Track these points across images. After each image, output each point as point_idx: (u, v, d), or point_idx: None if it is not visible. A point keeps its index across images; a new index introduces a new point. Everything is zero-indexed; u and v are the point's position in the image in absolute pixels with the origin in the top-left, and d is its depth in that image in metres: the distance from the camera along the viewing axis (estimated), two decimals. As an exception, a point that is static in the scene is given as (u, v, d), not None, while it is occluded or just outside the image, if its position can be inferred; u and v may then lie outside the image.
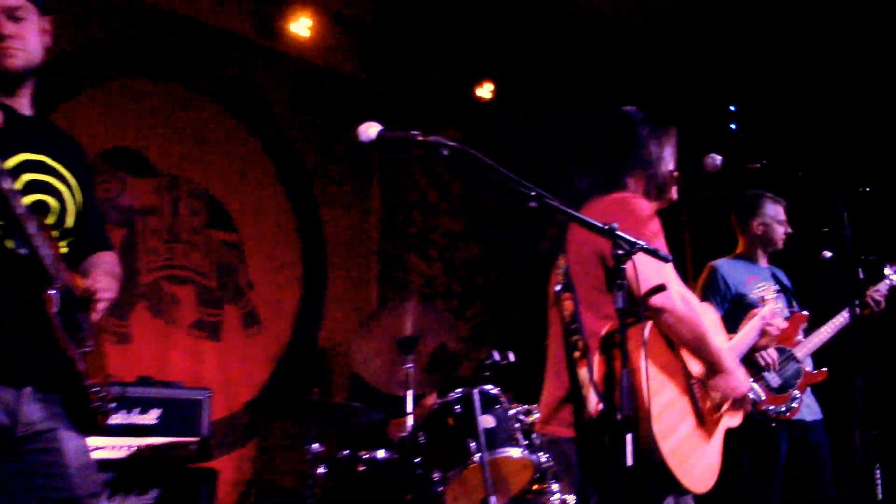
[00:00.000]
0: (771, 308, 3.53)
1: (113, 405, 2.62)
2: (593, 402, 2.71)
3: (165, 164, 5.80)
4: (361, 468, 4.70)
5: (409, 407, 4.68)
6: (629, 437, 2.41)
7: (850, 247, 2.76)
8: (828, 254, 4.48)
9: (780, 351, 4.64)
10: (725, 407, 2.96)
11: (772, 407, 4.61)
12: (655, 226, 2.84)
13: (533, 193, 2.30)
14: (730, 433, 4.55)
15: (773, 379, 4.64)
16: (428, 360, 4.90)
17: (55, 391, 2.46)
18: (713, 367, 2.89)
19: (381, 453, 4.72)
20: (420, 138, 2.20)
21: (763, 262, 5.01)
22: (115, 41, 5.63)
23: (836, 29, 6.02)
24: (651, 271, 2.64)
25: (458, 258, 7.45)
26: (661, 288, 2.58)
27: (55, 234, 2.48)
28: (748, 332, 3.44)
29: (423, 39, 6.78)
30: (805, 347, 4.70)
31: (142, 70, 5.76)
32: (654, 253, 2.57)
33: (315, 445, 4.70)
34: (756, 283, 4.88)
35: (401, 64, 6.91)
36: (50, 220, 2.50)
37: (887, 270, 4.77)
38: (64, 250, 2.53)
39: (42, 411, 2.43)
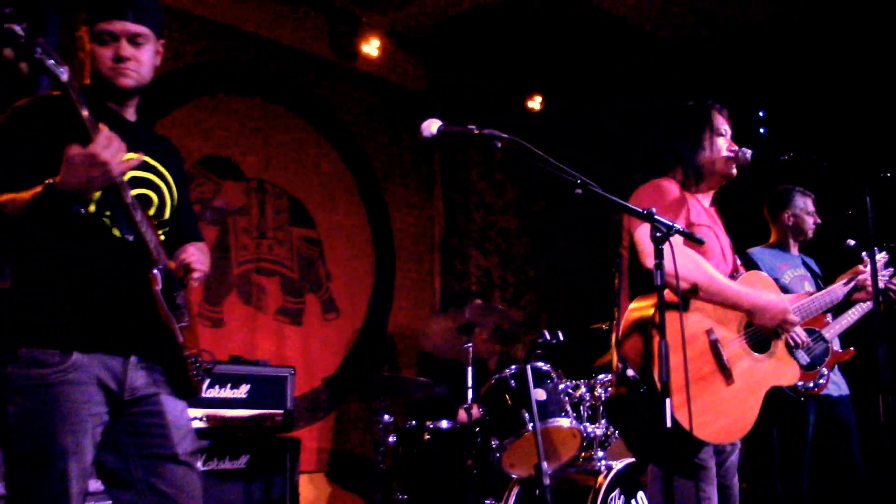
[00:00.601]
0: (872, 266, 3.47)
1: (206, 376, 2.67)
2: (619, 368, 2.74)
3: (253, 169, 5.87)
4: (427, 437, 4.73)
5: (469, 381, 4.69)
6: (668, 401, 2.39)
7: (873, 231, 2.67)
8: (852, 241, 4.37)
9: (810, 332, 4.54)
10: (783, 337, 2.93)
11: (801, 383, 4.51)
12: (676, 208, 2.83)
13: (578, 181, 2.28)
14: (762, 408, 4.48)
15: (803, 357, 4.54)
16: (485, 339, 4.92)
17: (157, 361, 2.51)
18: (743, 310, 2.86)
19: (444, 423, 4.74)
20: (476, 132, 2.20)
21: (794, 250, 4.92)
22: (207, 63, 5.72)
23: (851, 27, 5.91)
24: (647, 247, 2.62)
25: (513, 252, 7.43)
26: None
27: (155, 223, 2.53)
28: (833, 289, 3.41)
29: (480, 57, 6.79)
30: (833, 329, 4.59)
31: (232, 87, 5.85)
32: (688, 235, 2.55)
33: (386, 417, 4.74)
34: (787, 270, 4.81)
35: (459, 79, 6.93)
36: (151, 211, 2.55)
37: None
38: (161, 238, 2.58)
39: (146, 378, 2.48)
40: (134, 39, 2.48)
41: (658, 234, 2.41)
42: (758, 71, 6.60)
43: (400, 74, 6.75)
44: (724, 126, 3.12)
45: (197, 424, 4.45)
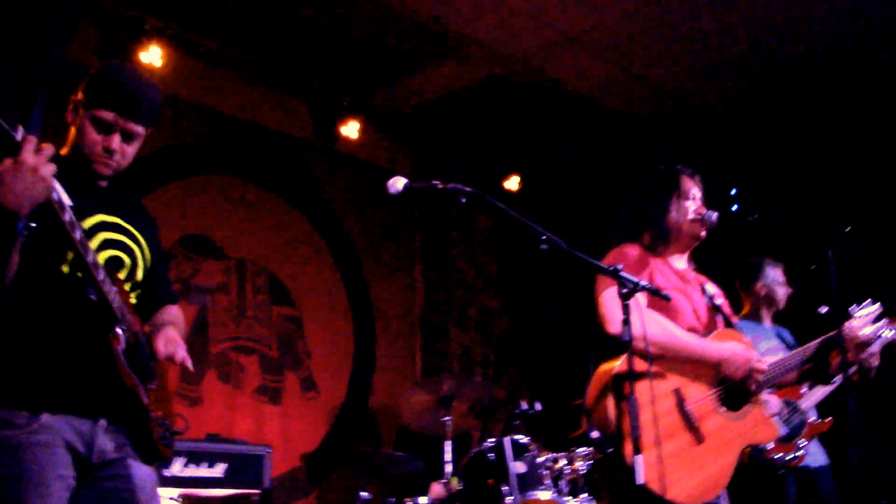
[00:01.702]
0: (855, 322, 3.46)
1: (174, 442, 2.61)
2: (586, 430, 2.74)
3: (233, 248, 5.89)
4: (406, 514, 4.63)
5: (448, 455, 4.62)
6: (639, 457, 2.36)
7: (836, 292, 2.70)
8: (824, 309, 4.38)
9: (786, 403, 4.52)
10: (757, 386, 2.90)
11: (778, 455, 4.46)
12: (635, 271, 2.86)
13: (544, 237, 2.31)
14: (738, 479, 4.41)
15: (781, 429, 4.50)
16: (464, 413, 4.88)
17: (123, 423, 2.46)
18: (710, 364, 2.85)
19: (423, 500, 4.65)
20: (440, 186, 2.23)
21: (767, 321, 4.91)
22: (191, 144, 5.81)
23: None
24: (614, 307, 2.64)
25: (493, 330, 7.42)
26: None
27: (127, 286, 2.52)
28: (809, 345, 3.38)
29: (457, 138, 6.92)
30: (809, 400, 4.57)
31: (214, 168, 5.92)
32: (656, 292, 2.56)
33: (363, 494, 4.65)
34: (761, 342, 4.80)
35: (437, 160, 7.04)
36: (122, 274, 2.54)
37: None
38: (133, 301, 2.56)
39: (113, 441, 2.43)
40: (128, 136, 2.51)
41: (624, 291, 2.43)
42: (728, 145, 6.80)
43: (380, 155, 6.85)
44: (693, 189, 3.18)
45: (172, 504, 4.35)
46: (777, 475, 4.44)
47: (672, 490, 2.63)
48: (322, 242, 6.41)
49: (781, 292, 4.90)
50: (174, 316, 2.77)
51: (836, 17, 5.57)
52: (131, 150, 2.54)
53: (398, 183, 2.35)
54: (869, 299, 3.66)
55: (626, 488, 2.46)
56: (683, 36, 5.82)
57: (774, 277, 4.91)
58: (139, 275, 2.60)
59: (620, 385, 2.64)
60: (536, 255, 7.69)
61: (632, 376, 2.45)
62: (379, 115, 6.69)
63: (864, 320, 3.61)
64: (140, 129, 2.52)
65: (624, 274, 2.44)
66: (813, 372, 3.36)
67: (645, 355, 2.65)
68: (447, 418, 4.68)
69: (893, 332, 4.49)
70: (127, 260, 2.56)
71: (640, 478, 2.34)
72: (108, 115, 2.46)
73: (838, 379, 4.45)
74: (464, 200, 2.22)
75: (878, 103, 6.01)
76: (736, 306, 4.96)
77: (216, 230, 5.83)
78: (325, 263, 6.39)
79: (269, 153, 6.22)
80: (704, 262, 3.35)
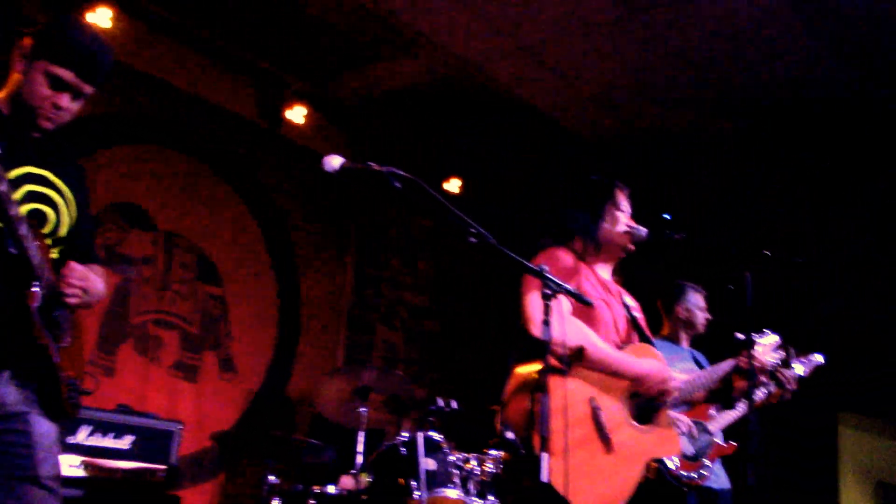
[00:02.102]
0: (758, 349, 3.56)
1: (80, 402, 2.56)
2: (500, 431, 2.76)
3: (164, 221, 5.79)
4: (311, 502, 4.59)
5: (360, 447, 4.60)
6: (545, 455, 2.39)
7: (752, 311, 2.78)
8: (740, 335, 4.51)
9: (696, 423, 4.62)
10: (663, 398, 2.95)
11: (684, 473, 4.55)
12: (568, 275, 2.92)
13: (473, 230, 2.33)
14: (644, 494, 4.50)
15: (687, 447, 4.59)
16: (380, 406, 4.86)
17: (31, 379, 2.41)
18: (625, 377, 2.89)
19: (331, 489, 4.62)
20: (376, 168, 2.23)
21: (685, 344, 5.03)
22: (133, 113, 5.71)
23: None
24: (538, 309, 2.64)
25: (420, 330, 7.43)
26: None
27: (49, 241, 2.47)
28: (717, 367, 3.45)
29: (402, 136, 6.92)
30: (717, 422, 4.67)
31: (155, 139, 5.82)
32: (578, 297, 2.60)
33: (271, 478, 4.61)
34: (677, 363, 4.91)
35: (379, 155, 7.01)
36: (46, 228, 2.48)
37: (793, 363, 4.78)
38: (55, 256, 2.50)
39: (17, 395, 2.37)
40: (79, 95, 2.48)
41: (547, 292, 2.46)
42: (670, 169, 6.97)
43: (323, 145, 6.81)
44: (624, 203, 3.26)
45: (73, 472, 4.25)
46: (681, 492, 4.53)
47: (578, 497, 2.67)
48: (256, 225, 6.34)
49: (701, 317, 5.03)
50: (96, 274, 2.72)
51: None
52: (77, 107, 2.51)
53: (334, 161, 2.35)
54: (767, 329, 3.80)
55: (532, 491, 2.49)
56: (636, 60, 5.93)
57: (696, 302, 5.05)
58: (63, 231, 2.55)
59: (535, 386, 2.67)
60: (471, 260, 7.75)
61: (546, 379, 2.48)
62: (326, 104, 6.66)
63: (766, 348, 3.74)
64: (91, 90, 2.49)
65: (548, 275, 2.47)
66: (719, 393, 3.47)
67: (562, 360, 2.69)
68: (363, 409, 4.67)
69: (803, 365, 4.69)
70: (52, 215, 2.51)
71: (545, 476, 2.37)
72: (66, 74, 2.43)
73: (746, 404, 4.63)
74: (398, 185, 2.22)
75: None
76: (655, 326, 5.10)
77: (149, 201, 5.72)
78: (256, 246, 6.32)
79: (211, 130, 6.14)
80: (631, 279, 3.42)
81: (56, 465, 2.43)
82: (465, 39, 5.84)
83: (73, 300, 2.46)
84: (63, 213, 2.55)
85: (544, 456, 2.37)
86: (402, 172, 2.22)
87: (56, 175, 2.54)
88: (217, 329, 5.98)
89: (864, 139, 6.23)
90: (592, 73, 6.13)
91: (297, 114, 6.39)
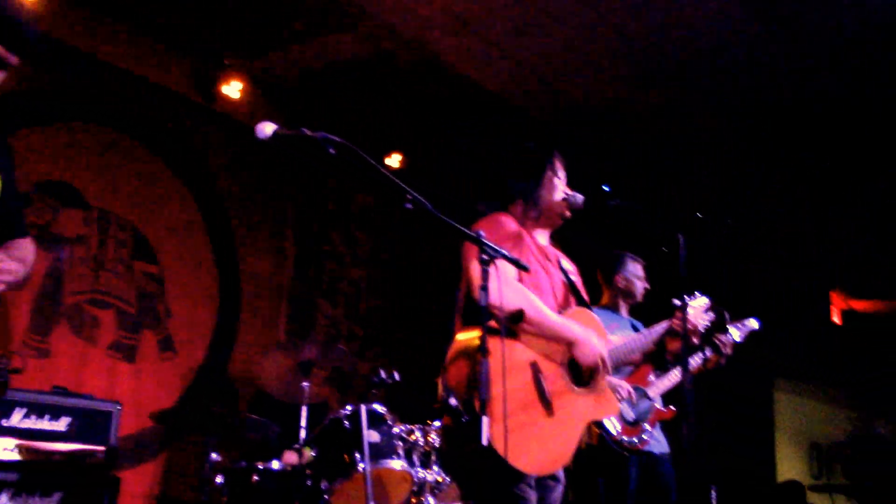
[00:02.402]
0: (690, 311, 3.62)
1: (6, 379, 2.50)
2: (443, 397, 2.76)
3: (97, 199, 5.66)
4: (256, 478, 4.57)
5: (303, 421, 4.59)
6: (485, 419, 2.41)
7: (685, 273, 2.83)
8: (677, 301, 4.59)
9: (635, 389, 4.70)
10: (594, 375, 2.97)
11: (625, 438, 4.64)
12: (512, 241, 2.93)
13: (409, 196, 2.32)
14: (587, 459, 4.57)
15: (628, 413, 4.68)
16: (322, 381, 4.84)
17: None
18: (565, 342, 2.92)
19: (275, 465, 4.60)
20: (309, 133, 2.20)
21: (624, 312, 5.11)
22: (63, 89, 5.55)
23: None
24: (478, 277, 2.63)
25: (362, 305, 7.41)
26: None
27: None
28: (652, 329, 3.49)
29: (342, 110, 6.85)
30: (656, 387, 4.76)
31: (85, 116, 5.66)
32: (515, 262, 2.62)
33: (213, 455, 4.56)
34: (616, 331, 4.99)
35: (319, 128, 6.93)
36: None
37: (729, 327, 4.88)
38: None
39: None
40: (3, 66, 2.42)
41: (485, 257, 2.47)
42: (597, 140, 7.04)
43: (260, 119, 6.69)
44: (561, 171, 3.28)
45: (7, 455, 4.15)
46: (622, 457, 4.62)
47: (521, 460, 2.70)
48: (192, 202, 6.23)
49: (640, 286, 5.12)
50: (23, 248, 2.65)
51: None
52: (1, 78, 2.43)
53: (266, 128, 2.33)
54: (698, 292, 3.88)
55: (474, 455, 2.49)
56: (573, 33, 5.95)
57: (634, 272, 5.13)
58: None
59: (475, 351, 2.68)
60: (411, 233, 7.73)
61: (486, 343, 2.49)
62: (263, 79, 6.55)
63: (697, 310, 3.82)
64: (17, 62, 2.42)
65: (485, 240, 2.48)
66: (654, 355, 3.53)
67: (502, 324, 2.70)
68: (305, 384, 4.65)
69: (738, 330, 4.80)
70: None
71: (486, 439, 2.39)
72: None
73: (693, 365, 4.72)
74: (332, 151, 2.20)
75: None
76: (595, 295, 5.17)
77: (81, 179, 5.57)
78: (193, 223, 6.21)
79: (144, 105, 6.00)
80: (569, 249, 3.45)
81: None
82: (404, 13, 5.79)
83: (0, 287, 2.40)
84: None
85: (484, 419, 2.39)
86: (335, 138, 2.19)
87: None
88: (155, 308, 5.88)
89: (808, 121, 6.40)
90: (530, 47, 6.14)
91: (233, 89, 6.28)
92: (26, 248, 2.64)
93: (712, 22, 5.70)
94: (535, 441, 2.80)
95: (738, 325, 4.76)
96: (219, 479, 4.58)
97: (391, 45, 6.19)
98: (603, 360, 2.99)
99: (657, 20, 5.74)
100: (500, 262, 2.55)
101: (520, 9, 5.68)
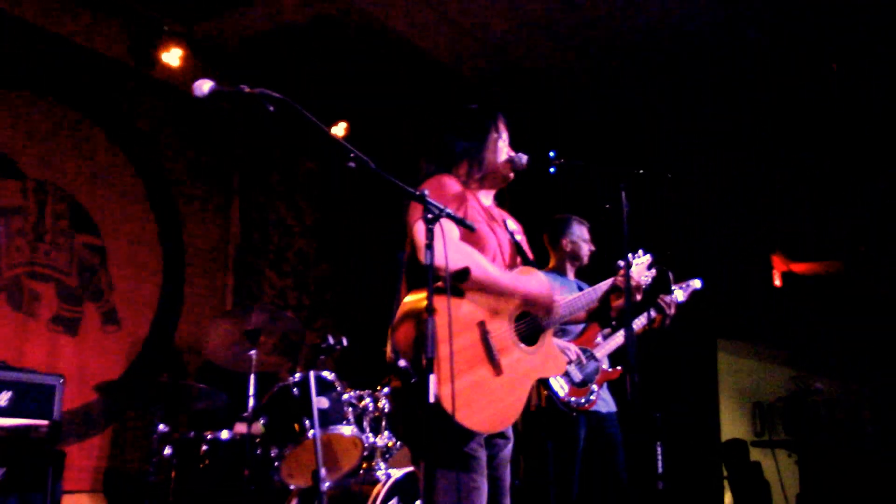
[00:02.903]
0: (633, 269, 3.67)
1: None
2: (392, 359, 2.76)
3: (34, 170, 5.51)
4: (205, 448, 4.54)
5: (252, 389, 4.55)
6: (432, 377, 2.41)
7: (627, 228, 2.85)
8: (621, 262, 4.63)
9: (582, 350, 4.76)
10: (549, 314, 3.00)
11: (573, 399, 4.70)
12: (457, 201, 2.93)
13: (352, 155, 2.30)
14: (536, 420, 4.62)
15: (576, 374, 4.74)
16: (270, 349, 4.80)
17: None
18: (516, 297, 2.94)
19: (224, 434, 4.58)
20: (247, 90, 2.17)
21: (571, 275, 5.16)
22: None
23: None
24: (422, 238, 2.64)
25: (310, 275, 7.36)
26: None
27: None
28: (599, 286, 3.52)
29: (285, 77, 6.75)
30: (603, 349, 4.83)
31: (18, 84, 5.49)
32: (460, 221, 2.61)
33: (161, 427, 4.51)
34: (564, 293, 5.03)
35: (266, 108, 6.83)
36: None
37: (672, 287, 4.94)
38: None
39: None
40: None
41: (429, 216, 2.46)
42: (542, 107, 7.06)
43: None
44: (505, 132, 3.28)
45: (-55, 432, 4.05)
46: (570, 418, 4.69)
47: (470, 419, 2.70)
48: (134, 172, 6.10)
49: (585, 249, 5.17)
50: None
51: None
52: None
53: (204, 86, 2.28)
54: (641, 250, 3.94)
55: (422, 414, 2.50)
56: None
57: (580, 234, 5.18)
58: None
59: (422, 311, 2.67)
60: (357, 201, 7.67)
61: (432, 302, 2.49)
62: (203, 46, 6.42)
63: (640, 267, 3.88)
64: None
65: (429, 199, 2.47)
66: (599, 312, 3.57)
67: (447, 284, 2.70)
68: (253, 352, 4.61)
69: (682, 290, 4.87)
70: None
71: (433, 397, 2.39)
72: None
73: (638, 326, 4.77)
74: (272, 108, 2.17)
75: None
76: (541, 259, 5.20)
77: (16, 149, 5.42)
78: (135, 193, 6.09)
79: (81, 73, 5.84)
80: (517, 215, 3.46)
81: None
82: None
83: None
84: None
85: (431, 377, 2.39)
86: (274, 94, 2.16)
87: None
88: (97, 280, 5.76)
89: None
90: (472, 11, 6.11)
91: (172, 56, 6.13)
92: None
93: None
94: (484, 399, 2.80)
95: (682, 285, 4.83)
96: (167, 451, 4.54)
97: (333, 10, 6.11)
98: (552, 307, 3.01)
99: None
100: (444, 223, 2.54)
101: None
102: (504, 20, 6.19)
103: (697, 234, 8.21)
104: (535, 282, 3.05)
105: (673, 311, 4.79)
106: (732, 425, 9.51)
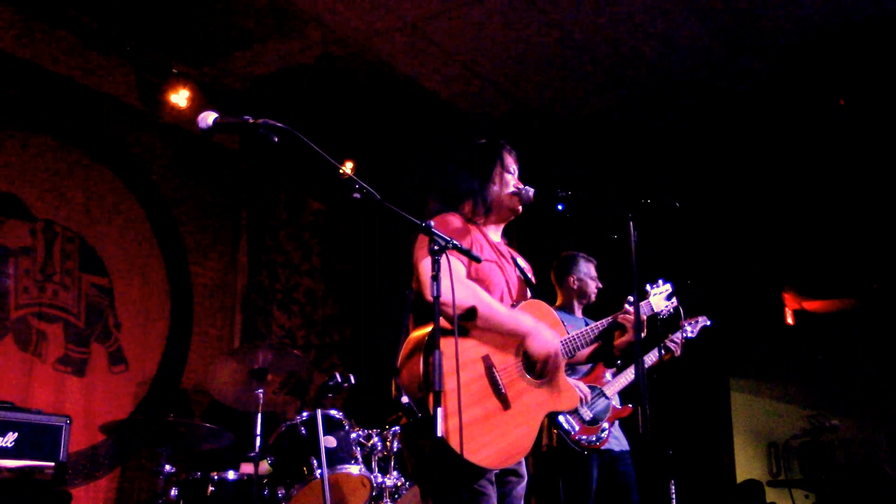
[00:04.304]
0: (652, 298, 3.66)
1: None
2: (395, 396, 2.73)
3: (42, 211, 5.55)
4: (211, 489, 4.50)
5: (258, 428, 4.52)
6: (439, 410, 2.39)
7: (636, 257, 2.84)
8: (630, 298, 4.61)
9: (591, 388, 4.72)
10: (546, 368, 2.94)
11: (584, 437, 4.66)
12: (462, 235, 2.92)
13: (357, 185, 2.31)
14: (547, 460, 4.56)
15: (586, 413, 4.70)
16: (277, 388, 4.78)
17: None
18: (516, 336, 2.90)
19: (230, 475, 4.54)
20: (251, 121, 2.19)
21: (578, 312, 5.14)
22: (4, 98, 5.45)
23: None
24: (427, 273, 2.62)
25: (318, 315, 7.35)
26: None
27: None
28: (599, 323, 3.48)
29: (292, 118, 6.79)
30: (613, 386, 4.79)
31: (28, 125, 5.57)
32: (467, 252, 2.61)
33: (167, 467, 4.48)
34: (571, 332, 5.00)
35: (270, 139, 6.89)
36: None
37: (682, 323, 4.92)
38: None
39: None
40: None
41: (435, 248, 2.46)
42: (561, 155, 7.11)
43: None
44: (512, 165, 3.28)
45: (-49, 473, 4.04)
46: (582, 456, 4.64)
47: (478, 454, 2.67)
48: (142, 213, 6.14)
49: (592, 286, 5.16)
50: None
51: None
52: None
53: (208, 118, 2.30)
54: (661, 279, 3.92)
55: (430, 451, 2.46)
56: (524, 39, 6.00)
57: (587, 272, 5.18)
58: None
59: (428, 346, 2.66)
60: (365, 240, 7.65)
61: (438, 337, 2.47)
62: (210, 87, 6.50)
63: (659, 296, 3.86)
64: None
65: (435, 231, 2.47)
66: (600, 352, 3.53)
67: (452, 320, 2.68)
68: (260, 391, 4.59)
69: (690, 326, 4.84)
70: None
71: (440, 431, 2.37)
72: None
73: (648, 362, 4.72)
74: (276, 139, 2.18)
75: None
76: (549, 297, 5.19)
77: (25, 190, 5.47)
78: (143, 235, 6.12)
79: (90, 115, 5.91)
80: (526, 253, 3.45)
81: None
82: (349, 18, 5.78)
83: None
84: None
85: (438, 411, 2.37)
86: (277, 124, 2.17)
87: None
88: (104, 320, 5.77)
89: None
90: (481, 51, 6.17)
91: (180, 97, 6.21)
92: None
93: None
94: (492, 435, 2.77)
95: (691, 321, 4.82)
96: (173, 492, 4.51)
97: (340, 51, 6.18)
98: (556, 353, 2.97)
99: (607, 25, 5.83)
100: (452, 259, 2.54)
101: (472, 12, 5.70)
102: (503, 56, 6.23)
103: (708, 270, 8.18)
104: (540, 317, 3.02)
105: (680, 352, 4.77)
106: (748, 465, 9.39)
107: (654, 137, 7.08)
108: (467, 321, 2.82)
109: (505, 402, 2.83)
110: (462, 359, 2.72)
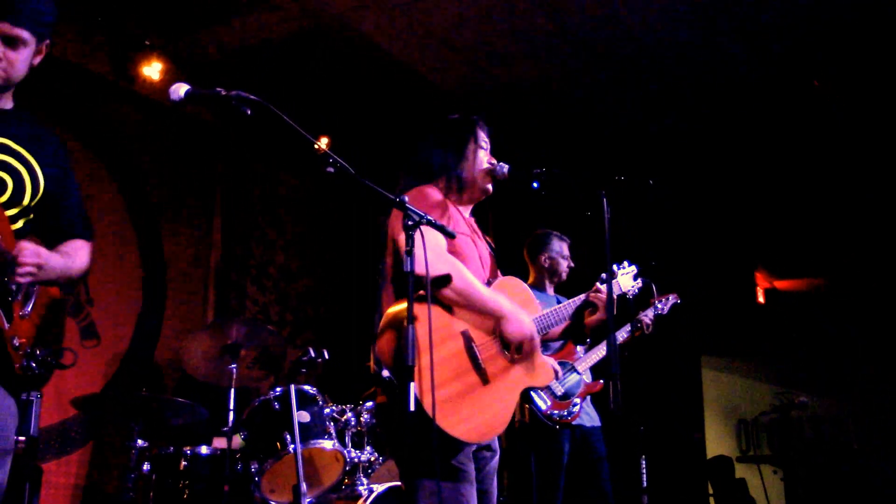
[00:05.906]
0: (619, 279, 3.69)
1: (43, 370, 2.49)
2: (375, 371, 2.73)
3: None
4: (184, 464, 4.50)
5: (232, 403, 4.52)
6: (412, 384, 2.40)
7: (609, 234, 2.84)
8: (603, 276, 4.64)
9: (563, 364, 4.75)
10: (521, 350, 2.93)
11: (556, 412, 4.69)
12: (439, 211, 2.91)
13: (331, 160, 2.29)
14: (519, 435, 4.59)
15: (557, 388, 4.74)
16: (251, 363, 4.77)
17: None
18: (495, 317, 2.89)
19: (203, 449, 4.54)
20: (223, 93, 2.17)
21: (550, 290, 5.18)
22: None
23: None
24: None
25: (292, 291, 7.33)
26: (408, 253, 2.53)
27: (14, 210, 2.43)
28: (571, 301, 3.49)
29: (268, 91, 6.73)
30: (584, 362, 4.82)
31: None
32: (440, 228, 2.61)
33: (139, 442, 4.47)
34: (542, 309, 5.03)
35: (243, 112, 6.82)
36: (3, 197, 2.43)
37: (653, 300, 4.96)
38: (17, 226, 2.46)
39: None
40: (11, 41, 2.43)
41: (409, 223, 2.45)
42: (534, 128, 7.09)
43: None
44: (484, 140, 3.26)
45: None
46: (553, 431, 4.67)
47: (458, 428, 2.66)
48: (114, 187, 6.07)
49: (564, 265, 5.20)
50: (72, 248, 2.65)
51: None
52: (21, 56, 2.47)
53: (180, 90, 2.29)
54: (626, 260, 3.96)
55: (409, 426, 2.46)
56: (498, 9, 5.96)
57: (559, 251, 5.20)
58: (25, 200, 2.49)
59: (404, 319, 2.65)
60: (341, 216, 7.63)
61: (411, 306, 2.46)
62: (184, 60, 6.41)
63: (626, 277, 3.90)
64: (25, 35, 2.44)
65: (409, 206, 2.46)
66: (571, 330, 3.55)
67: (429, 292, 2.67)
68: (233, 366, 4.57)
69: (660, 303, 4.88)
70: (10, 183, 2.44)
71: (412, 405, 2.37)
72: None
73: (619, 339, 4.76)
74: (248, 112, 2.17)
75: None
76: (522, 274, 5.21)
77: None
78: (115, 208, 6.04)
79: (62, 86, 5.82)
80: (500, 232, 3.46)
81: (5, 438, 2.38)
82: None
83: (22, 279, 2.37)
84: (26, 182, 2.48)
85: (411, 384, 2.38)
86: (250, 96, 2.16)
87: (19, 143, 2.50)
88: (76, 294, 5.71)
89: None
90: (460, 27, 6.13)
91: (153, 69, 6.13)
92: (76, 248, 2.65)
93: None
94: (472, 409, 2.76)
95: (661, 299, 4.86)
96: (146, 467, 4.50)
97: (317, 25, 6.12)
98: (531, 337, 2.96)
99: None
100: (426, 231, 2.53)
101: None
102: (481, 32, 6.20)
103: (681, 250, 8.25)
104: (515, 294, 3.02)
105: (651, 329, 4.81)
106: (718, 442, 9.52)
107: (630, 119, 7.10)
108: (442, 288, 2.79)
109: (484, 377, 2.83)
110: (441, 334, 2.72)
